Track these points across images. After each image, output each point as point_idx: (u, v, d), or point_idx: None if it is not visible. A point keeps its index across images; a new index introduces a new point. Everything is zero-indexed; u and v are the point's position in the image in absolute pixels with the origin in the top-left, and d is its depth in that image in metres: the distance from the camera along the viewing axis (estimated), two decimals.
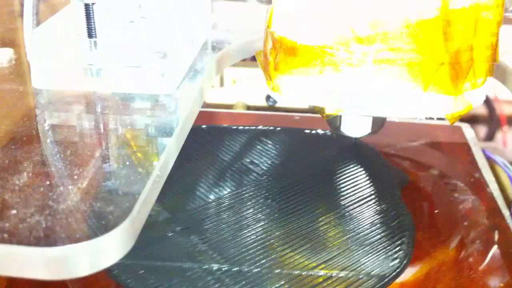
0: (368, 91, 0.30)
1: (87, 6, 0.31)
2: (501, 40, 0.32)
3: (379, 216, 0.35)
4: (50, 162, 0.27)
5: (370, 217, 0.35)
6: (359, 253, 0.32)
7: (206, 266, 0.31)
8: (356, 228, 0.34)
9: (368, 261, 0.32)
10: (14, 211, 0.23)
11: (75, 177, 0.26)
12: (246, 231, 0.34)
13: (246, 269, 0.31)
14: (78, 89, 0.33)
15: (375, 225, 0.34)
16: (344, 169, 0.40)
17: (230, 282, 0.30)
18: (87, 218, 0.23)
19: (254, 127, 0.44)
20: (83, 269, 0.22)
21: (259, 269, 0.31)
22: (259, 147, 0.42)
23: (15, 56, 0.36)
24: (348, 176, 0.39)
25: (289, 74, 0.31)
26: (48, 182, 0.25)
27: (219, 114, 0.50)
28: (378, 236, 0.34)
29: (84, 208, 0.24)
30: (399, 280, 0.31)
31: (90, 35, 0.32)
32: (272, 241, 0.33)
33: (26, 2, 0.32)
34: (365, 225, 0.34)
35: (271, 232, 0.34)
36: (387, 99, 0.30)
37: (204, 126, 0.45)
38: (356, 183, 0.38)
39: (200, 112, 0.33)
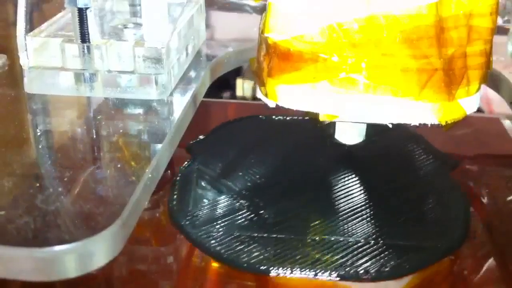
0: (362, 97, 0.30)
1: (80, 11, 0.31)
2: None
3: (433, 194, 0.36)
4: (41, 165, 0.27)
5: (425, 194, 0.36)
6: (417, 225, 0.33)
7: (281, 236, 0.32)
8: (412, 203, 0.35)
9: (427, 232, 0.33)
10: (2, 212, 0.23)
11: (66, 179, 0.25)
12: (307, 207, 0.35)
13: (316, 238, 0.32)
14: (70, 94, 0.32)
15: (431, 201, 0.35)
16: (393, 152, 0.41)
17: (308, 249, 0.31)
18: (77, 220, 0.23)
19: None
20: (72, 270, 0.21)
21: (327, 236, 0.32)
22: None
23: (9, 62, 0.36)
24: (398, 159, 0.40)
25: (283, 80, 0.31)
26: (38, 184, 0.25)
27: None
28: (435, 211, 0.35)
29: (74, 210, 0.23)
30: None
31: (83, 40, 0.32)
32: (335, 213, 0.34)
33: (19, 8, 0.32)
34: (421, 201, 0.36)
35: (333, 205, 0.35)
36: (380, 105, 0.30)
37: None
38: (405, 165, 0.39)
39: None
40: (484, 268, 0.32)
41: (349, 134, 0.35)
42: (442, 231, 0.33)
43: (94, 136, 0.30)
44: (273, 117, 0.44)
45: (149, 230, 0.33)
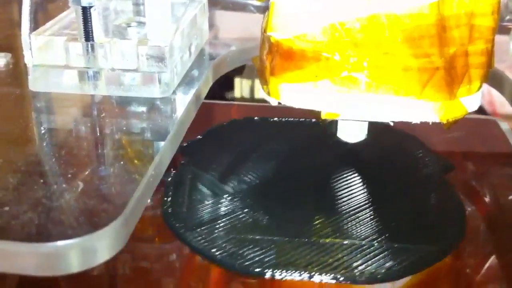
0: (363, 95, 0.30)
1: (85, 9, 0.32)
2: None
3: (428, 198, 0.37)
4: (44, 162, 0.27)
5: (421, 198, 0.36)
6: (413, 226, 0.34)
7: (276, 238, 0.32)
8: (407, 205, 0.36)
9: (423, 234, 0.33)
10: (6, 208, 0.23)
11: (69, 175, 0.26)
12: (304, 208, 0.35)
13: (313, 240, 0.32)
14: (74, 92, 0.33)
15: (426, 204, 0.36)
16: (388, 156, 0.41)
17: (304, 251, 0.31)
18: (80, 216, 0.23)
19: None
20: (75, 265, 0.22)
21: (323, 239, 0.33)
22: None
23: (13, 60, 0.36)
24: (393, 163, 0.40)
25: (285, 78, 0.31)
26: (42, 181, 0.25)
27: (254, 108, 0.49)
28: (430, 213, 0.35)
29: (77, 206, 0.24)
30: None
31: (87, 39, 0.32)
32: (330, 214, 0.35)
33: (24, 6, 0.32)
34: (416, 204, 0.36)
35: (327, 207, 0.35)
36: (382, 104, 0.30)
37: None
38: (402, 169, 0.40)
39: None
40: (486, 266, 0.32)
41: (352, 133, 0.35)
42: (437, 233, 0.33)
43: (98, 134, 0.30)
44: (269, 119, 0.44)
45: (144, 233, 0.33)
